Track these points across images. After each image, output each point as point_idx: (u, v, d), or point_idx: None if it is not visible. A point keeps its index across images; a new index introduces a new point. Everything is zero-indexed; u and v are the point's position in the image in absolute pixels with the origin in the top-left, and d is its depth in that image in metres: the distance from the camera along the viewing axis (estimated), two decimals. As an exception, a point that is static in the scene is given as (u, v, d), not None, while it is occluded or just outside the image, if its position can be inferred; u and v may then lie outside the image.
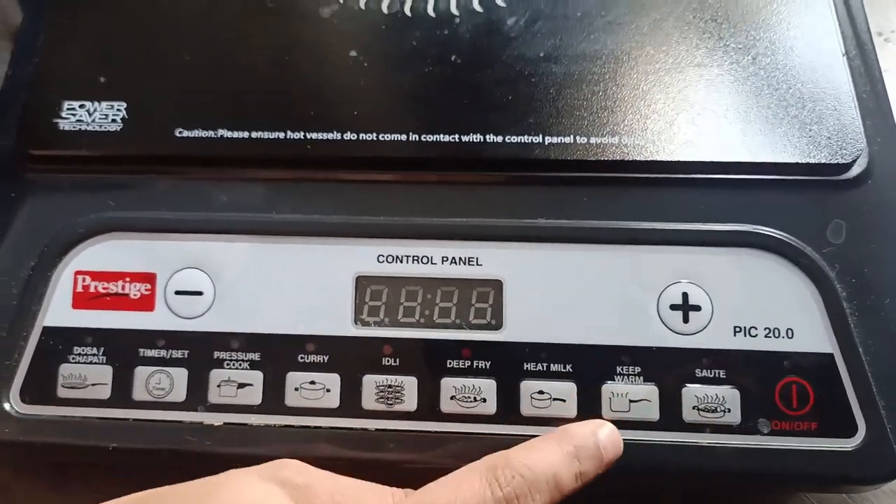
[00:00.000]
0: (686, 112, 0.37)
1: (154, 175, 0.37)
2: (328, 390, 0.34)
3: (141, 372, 0.34)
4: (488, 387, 0.33)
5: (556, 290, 0.34)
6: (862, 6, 0.40)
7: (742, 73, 0.37)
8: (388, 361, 0.34)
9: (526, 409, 0.33)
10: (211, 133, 0.37)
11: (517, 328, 0.34)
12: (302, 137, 0.37)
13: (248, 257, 0.35)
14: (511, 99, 0.37)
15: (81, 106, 0.38)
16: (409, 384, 0.34)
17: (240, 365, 0.34)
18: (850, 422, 0.32)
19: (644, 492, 0.36)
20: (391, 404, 0.34)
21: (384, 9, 0.40)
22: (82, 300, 0.35)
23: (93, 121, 0.37)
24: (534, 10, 0.39)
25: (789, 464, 0.32)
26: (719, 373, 0.33)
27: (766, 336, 0.33)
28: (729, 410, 0.33)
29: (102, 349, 0.35)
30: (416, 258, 0.35)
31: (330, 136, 0.37)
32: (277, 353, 0.34)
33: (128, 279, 0.35)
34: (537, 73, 0.38)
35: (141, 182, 0.37)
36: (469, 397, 0.33)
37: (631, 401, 0.33)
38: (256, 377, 0.34)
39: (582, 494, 0.32)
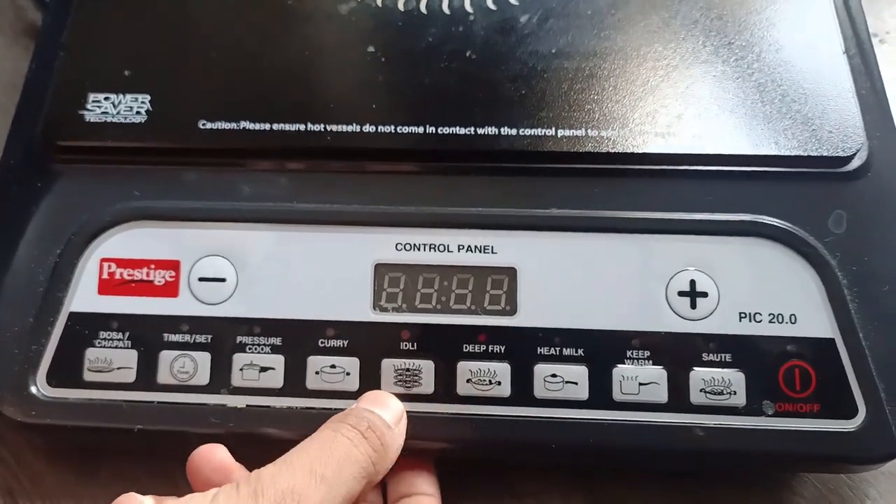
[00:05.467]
0: (693, 106, 0.38)
1: (178, 165, 0.38)
2: (348, 374, 0.34)
3: (165, 356, 0.35)
4: (503, 370, 0.34)
5: (568, 277, 0.35)
6: (861, 7, 0.41)
7: (747, 70, 0.38)
8: (405, 346, 0.35)
9: (539, 391, 0.34)
10: (233, 125, 0.38)
11: (531, 314, 0.35)
12: (322, 129, 0.37)
13: (270, 245, 0.36)
14: (524, 93, 0.38)
15: (106, 98, 0.38)
16: (427, 368, 0.34)
17: (262, 349, 0.35)
18: (851, 404, 0.33)
19: (654, 471, 0.37)
20: (409, 387, 0.34)
21: (400, 6, 0.41)
22: (108, 286, 0.36)
23: (118, 113, 0.38)
24: (546, 8, 0.40)
25: (792, 444, 0.33)
26: (725, 357, 0.34)
27: (770, 322, 0.34)
28: (734, 393, 0.34)
29: (128, 334, 0.35)
30: (432, 246, 0.36)
31: (349, 128, 0.37)
32: (298, 338, 0.35)
33: (152, 266, 0.36)
34: (550, 68, 0.39)
35: (165, 172, 0.37)
36: (484, 380, 0.34)
37: (640, 383, 0.34)
38: (278, 361, 0.35)
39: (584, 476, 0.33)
